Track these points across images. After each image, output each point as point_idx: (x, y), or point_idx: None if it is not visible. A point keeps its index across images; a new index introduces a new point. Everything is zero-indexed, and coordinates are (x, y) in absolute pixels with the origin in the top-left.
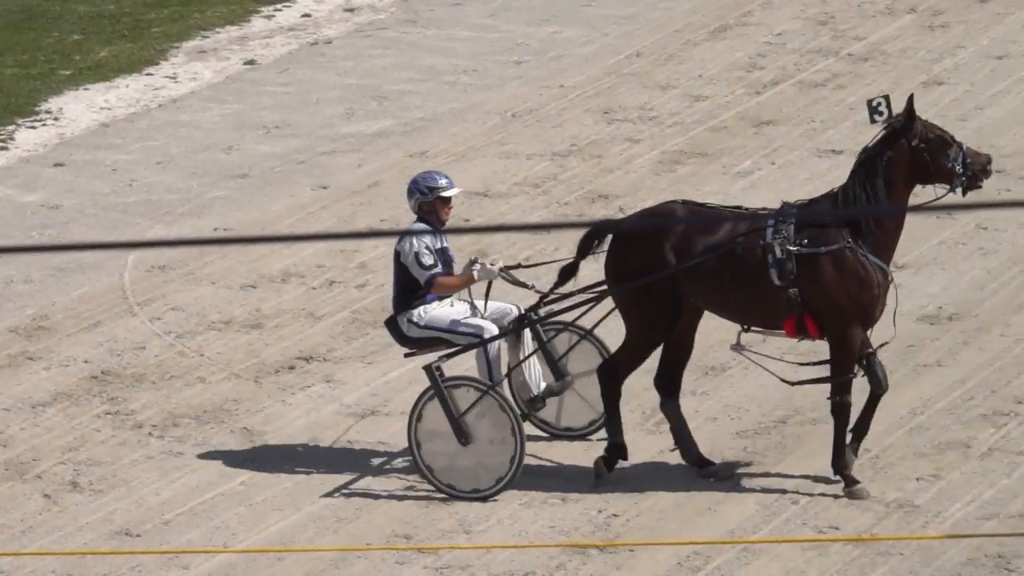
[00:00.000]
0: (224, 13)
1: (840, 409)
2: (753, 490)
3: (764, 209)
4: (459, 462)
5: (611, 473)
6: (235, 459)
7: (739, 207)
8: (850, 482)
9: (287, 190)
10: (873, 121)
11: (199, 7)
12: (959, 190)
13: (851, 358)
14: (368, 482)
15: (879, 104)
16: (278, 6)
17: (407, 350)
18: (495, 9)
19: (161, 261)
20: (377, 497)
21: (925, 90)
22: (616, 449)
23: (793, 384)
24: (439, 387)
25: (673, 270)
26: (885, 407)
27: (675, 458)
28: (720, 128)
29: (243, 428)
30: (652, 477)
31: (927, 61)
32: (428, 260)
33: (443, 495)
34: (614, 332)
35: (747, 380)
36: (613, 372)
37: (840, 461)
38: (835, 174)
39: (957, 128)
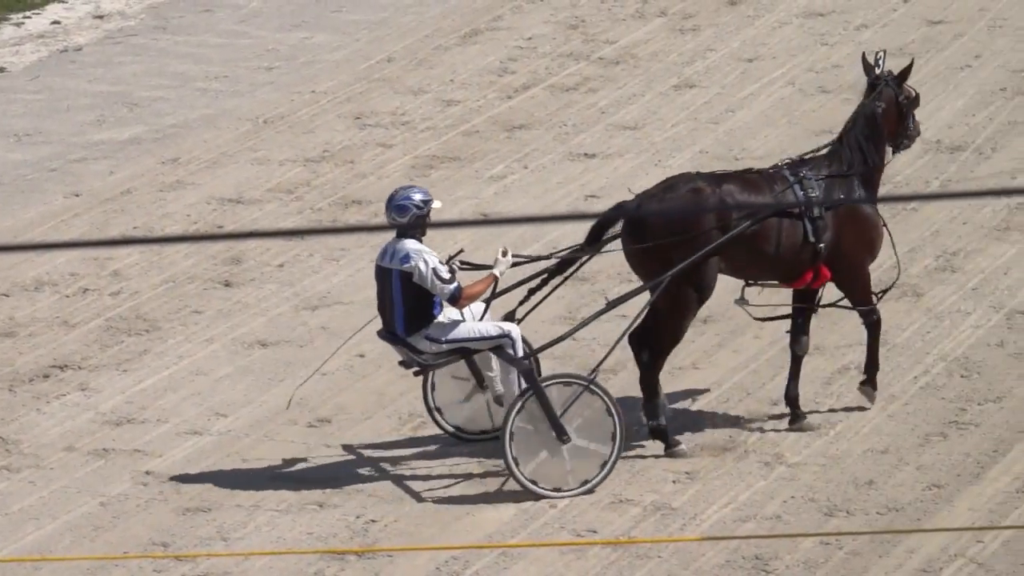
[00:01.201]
0: None
1: (876, 325)
2: (511, 493)
3: (772, 168)
4: (551, 460)
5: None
6: None
7: (750, 169)
8: (872, 388)
9: (39, 198)
10: (868, 74)
11: None
12: (900, 150)
13: (869, 289)
14: (125, 490)
15: (880, 57)
16: (27, 13)
17: (414, 368)
18: (245, 15)
19: None
20: (134, 505)
21: (676, 93)
22: (659, 432)
23: (762, 320)
24: (538, 386)
25: (727, 238)
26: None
27: (433, 462)
28: (472, 132)
29: None
30: (410, 482)
31: (678, 64)
32: (447, 274)
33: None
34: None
35: None
36: (657, 355)
37: (872, 372)
38: (588, 177)
39: (709, 131)
